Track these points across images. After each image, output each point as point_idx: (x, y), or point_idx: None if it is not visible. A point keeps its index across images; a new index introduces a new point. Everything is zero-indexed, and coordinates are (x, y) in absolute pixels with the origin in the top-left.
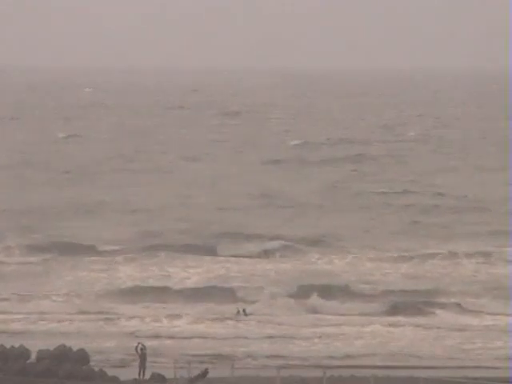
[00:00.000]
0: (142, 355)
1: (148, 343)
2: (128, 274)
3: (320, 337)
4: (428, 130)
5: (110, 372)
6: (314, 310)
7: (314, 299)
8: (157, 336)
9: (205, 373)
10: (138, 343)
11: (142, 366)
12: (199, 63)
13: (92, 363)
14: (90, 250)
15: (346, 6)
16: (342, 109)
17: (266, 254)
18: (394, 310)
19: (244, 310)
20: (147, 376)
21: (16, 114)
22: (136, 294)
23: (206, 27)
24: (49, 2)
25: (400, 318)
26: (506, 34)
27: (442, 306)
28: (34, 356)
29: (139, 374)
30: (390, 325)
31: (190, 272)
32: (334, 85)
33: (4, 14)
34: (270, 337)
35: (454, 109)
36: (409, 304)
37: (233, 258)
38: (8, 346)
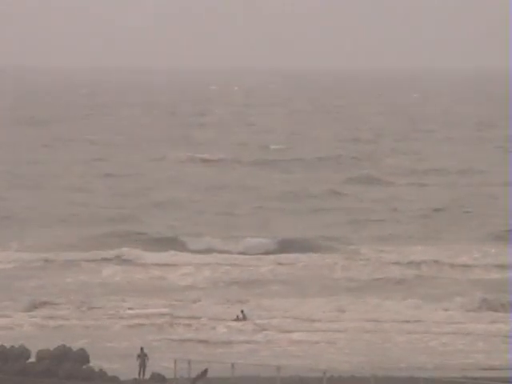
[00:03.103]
0: (142, 355)
1: (147, 343)
2: (119, 273)
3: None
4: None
5: (110, 372)
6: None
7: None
8: (157, 336)
9: (204, 372)
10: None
11: (142, 366)
12: (198, 63)
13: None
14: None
15: (346, 6)
16: (334, 109)
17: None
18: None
19: (242, 312)
20: (147, 376)
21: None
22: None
23: (205, 27)
24: (49, 1)
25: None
26: (506, 34)
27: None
28: (33, 356)
29: (139, 374)
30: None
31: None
32: (332, 85)
33: (3, 13)
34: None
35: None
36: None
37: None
38: (8, 346)
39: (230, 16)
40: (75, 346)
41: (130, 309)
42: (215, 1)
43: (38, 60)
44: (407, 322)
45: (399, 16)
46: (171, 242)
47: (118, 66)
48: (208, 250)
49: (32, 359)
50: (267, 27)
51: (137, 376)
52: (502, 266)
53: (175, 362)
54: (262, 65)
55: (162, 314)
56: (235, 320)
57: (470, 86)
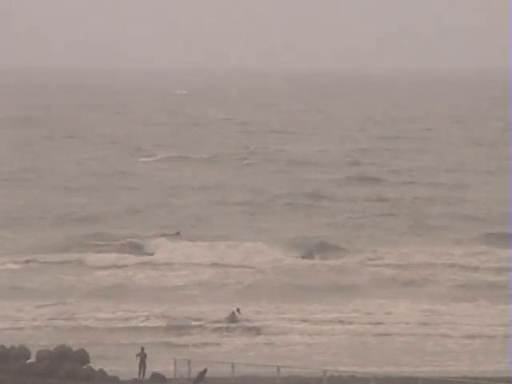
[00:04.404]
0: (142, 355)
1: (146, 344)
2: (111, 276)
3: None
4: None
5: (110, 372)
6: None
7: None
8: (156, 337)
9: (204, 373)
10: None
11: (142, 366)
12: (197, 64)
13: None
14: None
15: (346, 7)
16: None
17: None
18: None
19: (238, 310)
20: (147, 376)
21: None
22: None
23: (205, 27)
24: (49, 1)
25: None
26: (506, 34)
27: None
28: (34, 356)
29: (139, 374)
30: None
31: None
32: (331, 85)
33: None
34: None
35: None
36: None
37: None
38: (8, 346)
39: (230, 16)
40: (75, 346)
41: (125, 311)
42: (214, 1)
43: (38, 61)
44: (406, 322)
45: (399, 16)
46: (158, 244)
47: (117, 67)
48: (203, 251)
49: (32, 359)
50: (267, 27)
51: (137, 376)
52: (498, 267)
53: (175, 361)
54: (261, 65)
55: (160, 316)
56: (231, 316)
57: (470, 86)
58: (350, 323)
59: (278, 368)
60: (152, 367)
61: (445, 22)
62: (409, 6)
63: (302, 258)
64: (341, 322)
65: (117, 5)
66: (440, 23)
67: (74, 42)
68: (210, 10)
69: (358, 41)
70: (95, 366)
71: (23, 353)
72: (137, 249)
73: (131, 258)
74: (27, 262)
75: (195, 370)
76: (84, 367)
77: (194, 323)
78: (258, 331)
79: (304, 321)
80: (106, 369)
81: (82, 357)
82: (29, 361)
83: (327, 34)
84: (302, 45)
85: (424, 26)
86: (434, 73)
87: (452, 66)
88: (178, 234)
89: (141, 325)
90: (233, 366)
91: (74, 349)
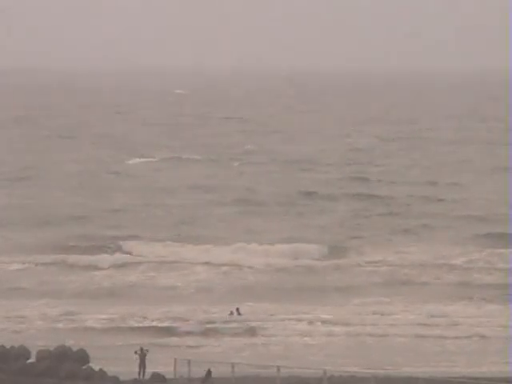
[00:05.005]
0: (142, 355)
1: (146, 344)
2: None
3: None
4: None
5: (110, 372)
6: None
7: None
8: (155, 338)
9: (209, 374)
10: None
11: (142, 366)
12: (197, 64)
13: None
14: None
15: (347, 7)
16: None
17: None
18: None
19: (237, 310)
20: (147, 376)
21: None
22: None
23: (206, 27)
24: (49, 1)
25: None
26: (506, 34)
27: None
28: (34, 356)
29: (139, 374)
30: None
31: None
32: (330, 86)
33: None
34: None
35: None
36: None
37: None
38: (8, 346)
39: (230, 16)
40: (75, 346)
41: (128, 314)
42: (214, 1)
43: (38, 61)
44: (404, 323)
45: (399, 16)
46: (155, 244)
47: (117, 67)
48: (200, 252)
49: (32, 359)
50: (267, 27)
51: (137, 376)
52: (496, 267)
53: (175, 361)
54: (261, 65)
55: (158, 316)
56: (229, 316)
57: (470, 86)
58: (349, 323)
59: (278, 368)
60: (152, 367)
61: (445, 22)
62: (409, 6)
63: (300, 258)
64: (339, 322)
65: (117, 5)
66: (440, 23)
67: (74, 41)
68: (210, 9)
69: (358, 41)
70: (95, 365)
71: (23, 353)
72: (134, 249)
73: (128, 258)
74: (26, 262)
75: (195, 370)
76: (84, 367)
77: (192, 323)
78: (256, 331)
79: (302, 321)
80: (105, 369)
81: (82, 357)
82: (29, 361)
83: (328, 33)
84: (302, 45)
85: (424, 26)
86: (433, 73)
87: (452, 66)
88: (179, 235)
89: (139, 325)
90: (233, 366)
91: (74, 349)
